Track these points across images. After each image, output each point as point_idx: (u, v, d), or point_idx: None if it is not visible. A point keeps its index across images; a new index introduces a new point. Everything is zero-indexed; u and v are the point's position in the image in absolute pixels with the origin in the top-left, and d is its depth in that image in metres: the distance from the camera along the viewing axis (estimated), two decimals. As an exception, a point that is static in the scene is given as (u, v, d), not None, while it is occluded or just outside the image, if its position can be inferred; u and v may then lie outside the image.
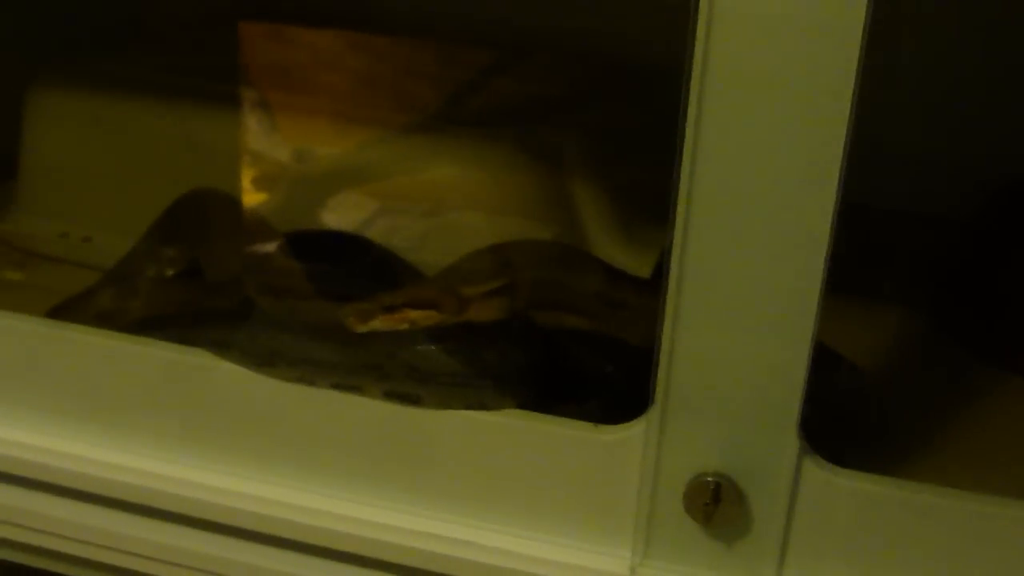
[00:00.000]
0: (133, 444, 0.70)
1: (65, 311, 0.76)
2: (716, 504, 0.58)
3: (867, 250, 0.81)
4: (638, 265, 0.77)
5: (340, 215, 0.82)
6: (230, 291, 0.76)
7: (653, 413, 0.59)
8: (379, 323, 0.66)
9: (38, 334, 0.70)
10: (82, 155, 0.89)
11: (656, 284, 0.58)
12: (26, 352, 0.70)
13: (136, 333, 0.69)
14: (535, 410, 0.63)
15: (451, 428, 0.63)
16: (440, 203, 0.81)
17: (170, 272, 0.80)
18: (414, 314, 0.67)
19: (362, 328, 0.66)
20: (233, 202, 0.83)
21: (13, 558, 0.74)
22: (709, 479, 0.59)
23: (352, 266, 0.77)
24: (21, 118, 0.91)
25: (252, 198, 0.84)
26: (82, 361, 0.69)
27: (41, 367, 0.70)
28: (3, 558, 0.74)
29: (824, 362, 0.57)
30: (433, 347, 0.66)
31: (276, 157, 0.86)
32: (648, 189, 0.78)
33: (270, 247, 0.78)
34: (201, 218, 0.82)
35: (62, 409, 0.71)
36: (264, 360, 0.66)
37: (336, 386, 0.64)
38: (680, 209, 0.54)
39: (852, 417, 0.68)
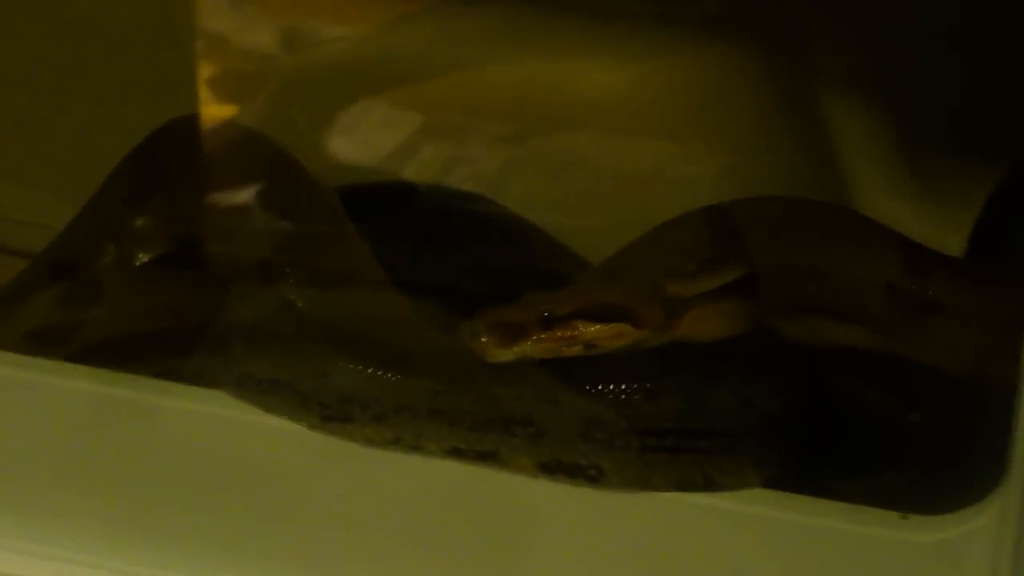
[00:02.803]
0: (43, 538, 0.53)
1: None
2: None
3: None
4: (940, 234, 0.60)
5: (357, 138, 0.67)
6: (251, 288, 0.59)
7: (1007, 494, 0.47)
8: (531, 346, 0.49)
9: None
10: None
11: (986, 269, 0.51)
12: None
13: (104, 364, 0.53)
14: (794, 491, 0.51)
15: (643, 519, 0.51)
16: (535, 121, 0.65)
17: (144, 257, 0.62)
18: (591, 330, 0.50)
19: (502, 355, 0.49)
20: (250, 137, 0.64)
21: None
22: (1111, 605, 0.45)
23: (459, 242, 0.62)
24: None
25: (213, 111, 0.66)
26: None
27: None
28: None
29: None
30: (624, 387, 0.50)
31: (252, 44, 0.70)
32: (934, 107, 0.64)
33: (316, 212, 0.61)
34: (192, 164, 0.63)
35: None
36: (334, 412, 0.52)
37: (455, 452, 0.50)
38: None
39: None
